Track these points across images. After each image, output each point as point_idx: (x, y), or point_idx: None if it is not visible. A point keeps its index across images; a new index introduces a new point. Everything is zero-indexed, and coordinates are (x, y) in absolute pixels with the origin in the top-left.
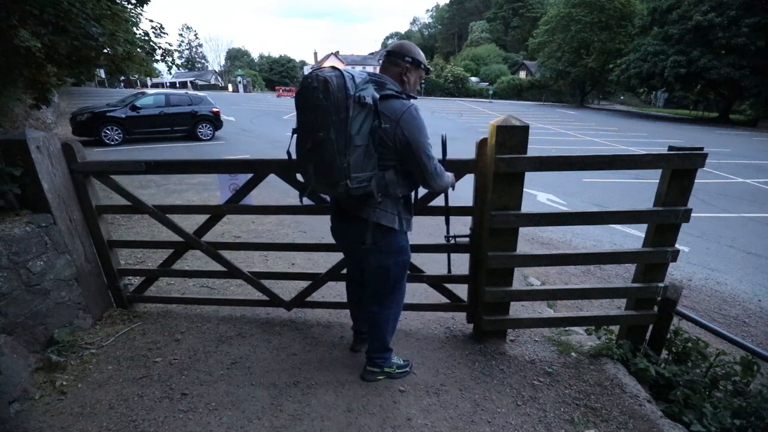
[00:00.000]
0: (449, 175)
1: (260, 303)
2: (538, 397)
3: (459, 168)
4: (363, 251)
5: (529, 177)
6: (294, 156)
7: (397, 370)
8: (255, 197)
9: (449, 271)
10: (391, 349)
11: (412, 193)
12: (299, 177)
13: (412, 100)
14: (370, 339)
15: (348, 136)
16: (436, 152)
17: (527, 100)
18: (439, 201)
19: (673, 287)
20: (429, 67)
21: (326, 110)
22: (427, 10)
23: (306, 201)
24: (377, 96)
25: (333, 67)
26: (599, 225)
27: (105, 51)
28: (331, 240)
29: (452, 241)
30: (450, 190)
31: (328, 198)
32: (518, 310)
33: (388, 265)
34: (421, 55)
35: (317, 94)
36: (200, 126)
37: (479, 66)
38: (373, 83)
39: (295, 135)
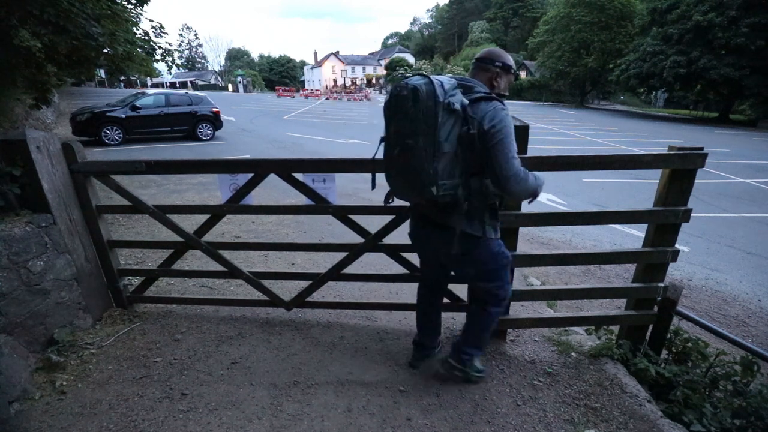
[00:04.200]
0: (540, 179)
1: (260, 303)
2: (538, 397)
3: None
4: (453, 260)
5: None
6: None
7: (475, 373)
8: (255, 197)
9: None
10: (483, 350)
11: (497, 201)
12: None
13: (498, 102)
14: (470, 329)
15: (437, 143)
16: None
17: (527, 100)
18: None
19: (673, 287)
20: (518, 72)
21: (415, 118)
22: (427, 10)
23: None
24: (466, 102)
25: (421, 74)
26: (599, 225)
27: (105, 51)
28: (331, 240)
29: None
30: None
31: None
32: (518, 310)
33: (488, 270)
34: (510, 60)
35: (407, 102)
36: (200, 126)
37: None
38: (460, 88)
39: (383, 143)
